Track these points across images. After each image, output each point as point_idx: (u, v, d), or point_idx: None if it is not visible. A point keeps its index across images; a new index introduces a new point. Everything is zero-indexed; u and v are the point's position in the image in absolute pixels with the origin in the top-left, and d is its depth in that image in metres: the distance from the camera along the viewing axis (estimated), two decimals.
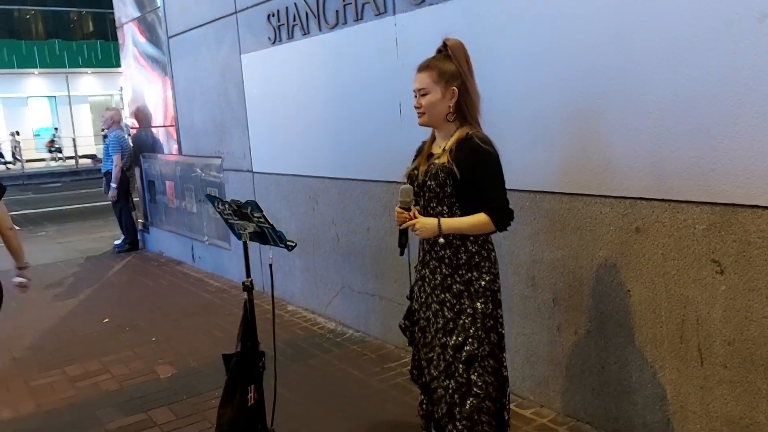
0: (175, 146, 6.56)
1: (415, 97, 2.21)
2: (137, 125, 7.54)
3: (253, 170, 5.22)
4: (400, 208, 2.20)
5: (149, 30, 6.71)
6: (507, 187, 2.97)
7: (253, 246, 2.48)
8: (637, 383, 2.61)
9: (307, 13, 4.18)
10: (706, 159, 2.27)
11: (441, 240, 2.19)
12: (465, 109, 2.20)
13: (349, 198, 4.18)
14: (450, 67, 2.17)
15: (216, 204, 2.42)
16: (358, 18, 3.78)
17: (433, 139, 2.30)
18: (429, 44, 2.31)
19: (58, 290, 6.03)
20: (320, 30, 4.12)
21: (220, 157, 5.70)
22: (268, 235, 2.32)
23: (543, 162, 2.85)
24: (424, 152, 2.29)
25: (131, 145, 7.68)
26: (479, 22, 3.03)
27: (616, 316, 2.66)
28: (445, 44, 2.21)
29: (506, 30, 2.91)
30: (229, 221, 2.40)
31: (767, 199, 2.14)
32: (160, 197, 7.21)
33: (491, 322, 2.21)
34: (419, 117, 2.22)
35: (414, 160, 2.35)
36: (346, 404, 3.28)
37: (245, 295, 2.40)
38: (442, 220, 2.17)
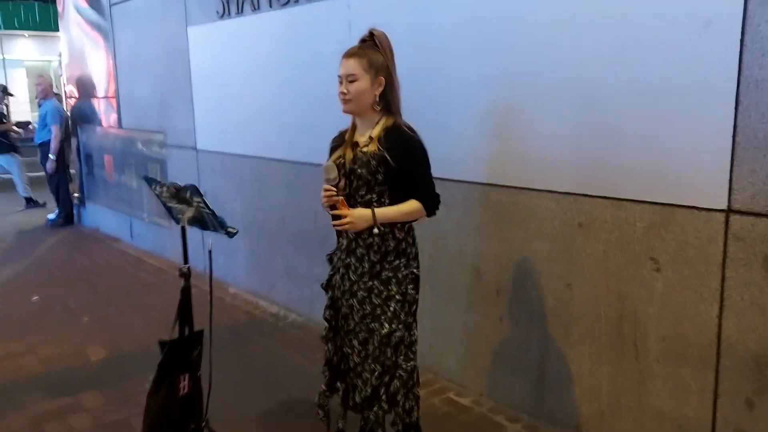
0: (116, 119, 6.32)
1: (341, 83, 2.22)
2: (76, 95, 7.22)
3: (198, 148, 5.08)
4: (327, 186, 2.19)
5: None
6: (455, 178, 3.01)
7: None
8: (575, 375, 2.67)
9: None
10: (647, 159, 2.31)
11: (376, 230, 2.21)
12: (389, 99, 2.24)
13: (297, 181, 4.11)
14: (379, 57, 2.21)
15: (153, 186, 2.32)
16: None
17: (354, 128, 2.32)
18: (383, 28, 2.27)
19: None
20: (271, 6, 4.00)
21: (163, 133, 5.51)
22: (207, 221, 2.25)
23: (492, 155, 2.85)
24: (347, 141, 2.30)
25: (68, 114, 7.36)
26: (432, 8, 2.99)
27: (557, 309, 2.70)
28: (372, 34, 2.23)
29: (458, 18, 2.88)
30: (167, 205, 2.31)
31: (703, 200, 2.19)
32: (98, 171, 6.96)
33: (415, 306, 2.30)
34: (345, 104, 2.23)
35: (332, 150, 2.35)
36: (285, 391, 3.24)
37: (183, 281, 2.32)
38: (377, 210, 2.20)
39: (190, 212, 2.29)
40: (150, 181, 2.35)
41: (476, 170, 2.93)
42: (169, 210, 2.34)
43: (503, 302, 2.93)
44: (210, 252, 2.34)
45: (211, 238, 2.43)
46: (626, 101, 2.34)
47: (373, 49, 2.22)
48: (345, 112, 2.27)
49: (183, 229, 2.35)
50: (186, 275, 2.30)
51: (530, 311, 2.81)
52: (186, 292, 2.31)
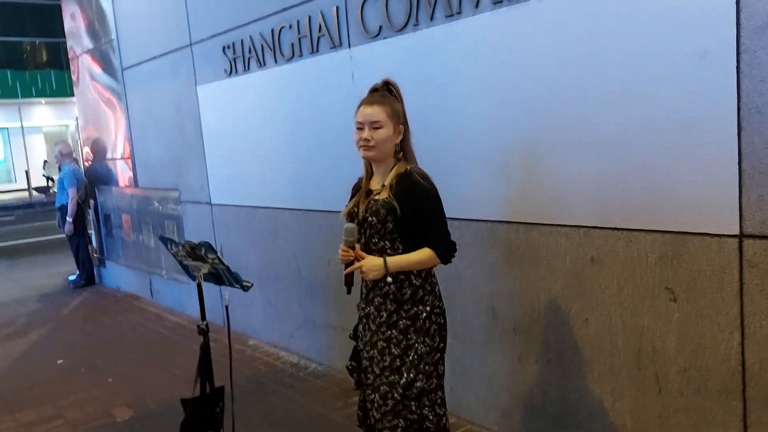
0: (132, 178, 6.45)
1: (361, 129, 2.23)
2: (92, 157, 7.39)
3: (212, 202, 5.15)
4: (345, 246, 2.20)
5: (104, 61, 6.62)
6: (464, 217, 3.03)
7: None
8: (598, 413, 2.63)
9: (262, 46, 4.18)
10: (655, 189, 2.32)
11: (389, 279, 2.21)
12: (405, 147, 2.28)
13: (309, 230, 4.15)
14: (399, 106, 2.26)
15: (169, 246, 2.37)
16: (314, 51, 3.79)
17: (369, 175, 2.34)
18: (384, 75, 2.34)
19: (10, 330, 5.81)
20: (276, 62, 4.12)
21: (177, 190, 5.61)
22: (223, 276, 2.28)
23: (500, 193, 2.88)
24: (362, 189, 2.32)
25: (85, 177, 7.52)
26: (434, 55, 3.06)
27: (575, 345, 2.68)
28: (389, 84, 2.28)
29: (462, 63, 2.95)
30: (183, 263, 2.35)
31: (715, 227, 2.19)
32: (117, 231, 7.05)
33: (438, 355, 2.27)
34: (367, 150, 2.24)
35: (351, 197, 2.38)
36: None
37: (202, 338, 2.34)
38: (388, 259, 2.20)
39: (205, 268, 2.33)
40: (165, 240, 2.40)
41: (486, 208, 2.95)
42: (185, 268, 2.38)
43: (521, 341, 2.91)
44: (227, 307, 2.37)
45: (228, 292, 2.47)
46: (632, 136, 2.36)
47: (393, 98, 2.27)
48: (366, 158, 2.28)
49: (199, 286, 2.38)
50: (204, 332, 2.32)
51: (548, 349, 2.79)
52: (205, 349, 2.33)
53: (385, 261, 2.18)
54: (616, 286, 2.50)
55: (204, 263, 2.31)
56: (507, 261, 2.91)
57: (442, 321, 2.30)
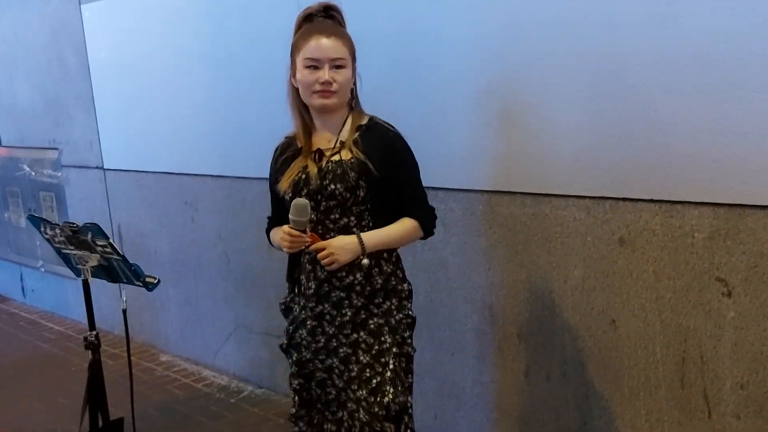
0: None
1: (315, 67, 2.23)
2: None
3: (105, 167, 5.11)
4: (295, 230, 2.21)
5: None
6: (449, 186, 3.08)
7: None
8: None
9: None
10: (704, 148, 2.37)
11: (365, 261, 2.26)
12: (356, 92, 2.35)
13: (241, 203, 4.15)
14: (351, 39, 2.30)
15: (43, 228, 2.36)
16: None
17: (308, 132, 2.35)
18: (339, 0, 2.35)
19: None
20: None
21: (57, 149, 5.55)
22: (117, 270, 2.29)
23: (498, 153, 2.91)
24: (305, 149, 2.33)
25: None
26: None
27: (599, 354, 2.74)
28: (330, 8, 2.31)
29: None
30: (63, 251, 2.35)
31: None
32: None
33: (412, 364, 2.40)
34: (326, 96, 2.25)
35: (281, 164, 2.38)
36: None
37: (90, 354, 2.35)
38: (363, 235, 2.25)
39: (93, 260, 2.33)
40: (37, 221, 2.39)
41: (480, 174, 2.97)
42: (66, 259, 2.38)
43: (527, 350, 2.97)
44: (124, 311, 2.38)
45: (124, 292, 2.47)
46: (671, 73, 2.39)
47: (343, 29, 2.32)
48: (322, 107, 2.29)
49: (86, 283, 2.39)
50: (94, 346, 2.34)
51: (564, 360, 2.85)
52: (95, 369, 2.34)
53: (359, 237, 2.24)
54: (652, 275, 2.56)
55: (92, 253, 2.31)
56: (509, 244, 2.95)
57: (415, 316, 2.43)
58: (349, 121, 2.32)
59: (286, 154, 2.40)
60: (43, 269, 6.05)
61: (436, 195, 3.11)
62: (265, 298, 4.12)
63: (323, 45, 2.22)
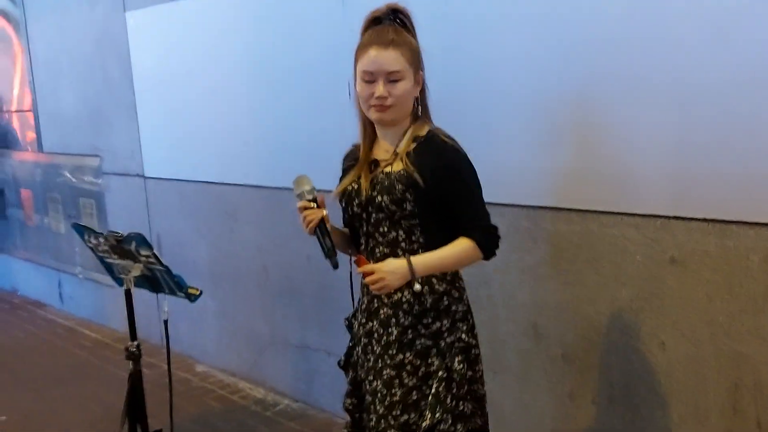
0: (35, 140, 6.45)
1: (371, 81, 2.18)
2: None
3: (145, 175, 5.17)
4: (305, 204, 2.20)
5: None
6: (497, 200, 3.04)
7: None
8: None
9: None
10: (761, 166, 2.33)
11: (417, 286, 2.19)
12: (424, 101, 2.28)
13: (280, 214, 4.16)
14: (417, 45, 2.23)
15: (86, 237, 2.38)
16: None
17: (371, 141, 2.32)
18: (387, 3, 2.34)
19: None
20: None
21: (98, 156, 5.62)
22: (160, 281, 2.30)
23: (545, 168, 2.89)
24: (362, 159, 2.30)
25: None
26: None
27: (647, 378, 2.70)
28: (396, 10, 2.23)
29: None
30: (106, 261, 2.38)
31: None
32: (13, 212, 7.08)
33: (473, 386, 2.29)
34: (382, 111, 2.20)
35: (344, 172, 2.37)
36: None
37: (131, 365, 2.37)
38: (414, 259, 2.17)
39: (136, 270, 2.35)
40: (81, 229, 2.41)
41: (526, 189, 2.96)
42: (108, 268, 2.40)
43: (572, 372, 2.93)
44: (166, 322, 2.39)
45: (167, 301, 2.48)
46: (729, 91, 2.35)
47: (408, 34, 2.23)
48: (380, 121, 2.26)
49: (128, 293, 2.40)
50: (135, 356, 2.35)
51: (610, 383, 2.81)
52: (136, 379, 2.36)
53: (409, 262, 2.15)
54: (704, 296, 2.51)
55: (135, 262, 2.33)
56: (555, 262, 2.92)
57: (475, 341, 2.32)
58: (410, 132, 2.25)
59: (349, 161, 2.38)
60: (81, 276, 6.13)
61: None
62: (303, 311, 4.13)
63: (378, 58, 2.15)
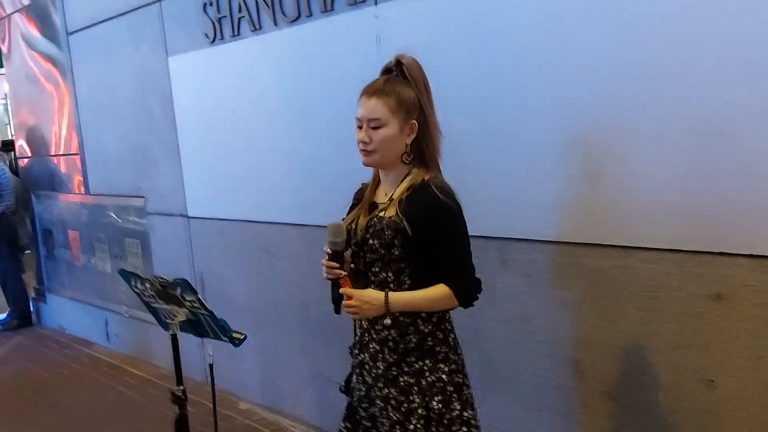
0: (81, 182, 6.57)
1: (360, 128, 2.35)
2: (28, 152, 7.54)
3: (189, 215, 5.22)
4: (330, 252, 2.33)
5: (43, 22, 6.76)
6: (532, 238, 3.03)
7: None
8: None
9: (257, 2, 4.23)
10: None
11: (387, 321, 2.31)
12: (424, 148, 2.35)
13: (320, 251, 4.14)
14: (410, 93, 2.32)
15: (133, 282, 2.41)
16: (327, 8, 3.82)
17: (376, 183, 2.45)
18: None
19: None
20: (276, 24, 4.16)
21: (142, 197, 5.70)
22: (205, 325, 2.32)
23: (584, 203, 2.86)
24: (365, 200, 2.44)
25: (15, 180, 7.64)
26: (492, 9, 3.06)
27: (694, 417, 2.65)
28: (399, 62, 2.35)
29: (528, 21, 2.94)
30: (152, 306, 2.40)
31: None
32: (61, 252, 7.19)
33: (452, 427, 2.31)
34: (366, 155, 2.36)
35: (351, 208, 2.51)
36: None
37: (177, 409, 2.38)
38: (391, 295, 2.29)
39: (182, 315, 2.37)
40: (128, 276, 2.44)
41: (565, 225, 2.93)
42: (154, 313, 2.42)
43: (617, 410, 2.88)
44: (211, 366, 2.40)
45: (212, 345, 2.50)
46: (766, 123, 2.34)
47: (402, 84, 2.33)
48: (366, 164, 2.40)
49: (174, 338, 2.42)
50: (181, 401, 2.36)
51: (656, 421, 2.76)
52: (182, 423, 2.37)
53: (386, 297, 2.27)
54: (751, 333, 2.46)
55: (180, 307, 2.35)
56: (596, 298, 2.89)
57: (460, 381, 2.38)
58: (407, 179, 2.36)
59: (356, 198, 2.54)
60: (126, 314, 6.19)
61: (519, 246, 3.09)
62: (345, 348, 4.10)
63: (363, 105, 2.33)
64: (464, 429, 2.33)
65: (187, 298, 2.33)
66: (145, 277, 2.40)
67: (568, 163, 2.90)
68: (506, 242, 3.12)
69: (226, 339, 2.32)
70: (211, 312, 2.30)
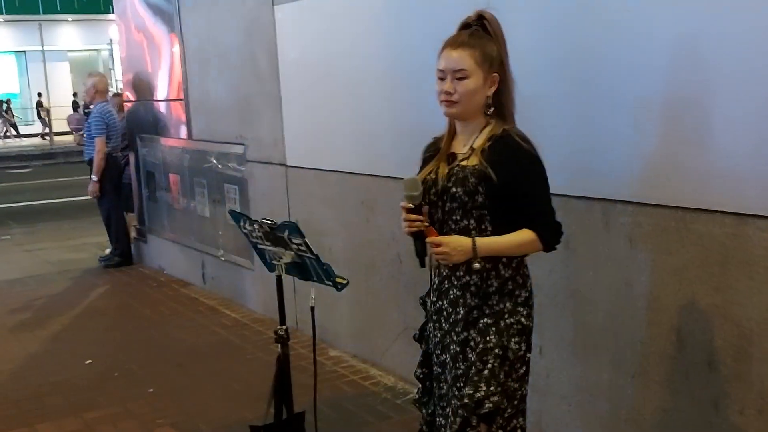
0: (184, 127, 6.72)
1: (442, 79, 2.40)
2: (133, 97, 7.75)
3: (288, 164, 5.29)
4: (408, 206, 2.34)
5: None
6: (637, 200, 2.96)
7: None
8: None
9: None
10: None
11: (477, 265, 2.36)
12: (503, 100, 2.42)
13: None
14: (493, 48, 2.39)
15: (242, 223, 2.46)
16: None
17: (452, 135, 2.51)
18: None
19: (26, 316, 6.27)
20: None
21: (243, 144, 5.80)
22: (310, 268, 2.35)
23: (698, 165, 2.77)
24: (442, 151, 2.49)
25: (122, 122, 7.87)
26: None
27: None
28: (481, 17, 2.41)
29: None
30: (259, 246, 2.44)
31: None
32: (162, 195, 7.40)
33: (524, 368, 2.44)
34: (449, 106, 2.41)
35: (424, 162, 2.56)
36: None
37: (279, 348, 2.43)
38: (478, 240, 2.35)
39: (288, 257, 2.40)
40: (237, 216, 2.49)
41: (673, 188, 2.86)
42: (261, 254, 2.47)
43: (718, 380, 2.82)
44: (312, 309, 2.44)
45: (314, 290, 2.53)
46: None
47: (486, 38, 2.40)
48: (448, 116, 2.46)
49: (279, 279, 2.46)
50: (283, 340, 2.41)
51: (761, 394, 2.69)
52: (284, 362, 2.42)
53: (474, 242, 2.33)
54: None
55: (287, 250, 2.39)
56: (703, 265, 2.81)
57: (532, 326, 2.49)
58: (487, 130, 2.42)
59: (429, 152, 2.58)
60: (222, 258, 6.35)
61: (624, 209, 3.02)
62: None
63: (447, 57, 2.39)
64: (524, 368, 2.44)
65: (294, 240, 2.37)
66: (254, 219, 2.44)
67: (680, 125, 2.81)
68: (610, 204, 3.07)
69: (329, 283, 2.36)
70: (316, 255, 2.34)
